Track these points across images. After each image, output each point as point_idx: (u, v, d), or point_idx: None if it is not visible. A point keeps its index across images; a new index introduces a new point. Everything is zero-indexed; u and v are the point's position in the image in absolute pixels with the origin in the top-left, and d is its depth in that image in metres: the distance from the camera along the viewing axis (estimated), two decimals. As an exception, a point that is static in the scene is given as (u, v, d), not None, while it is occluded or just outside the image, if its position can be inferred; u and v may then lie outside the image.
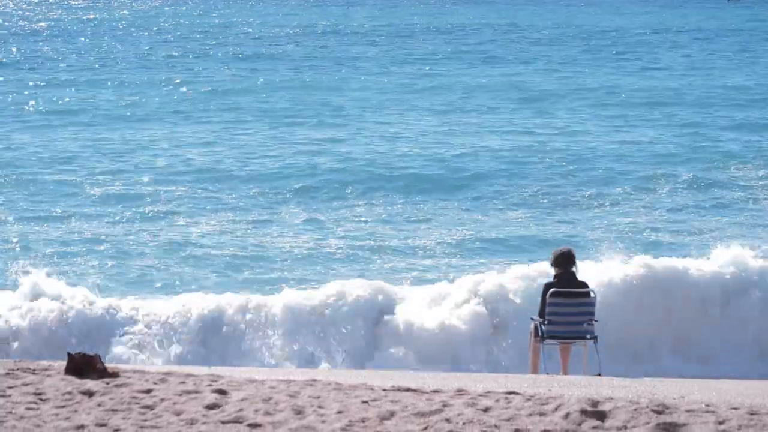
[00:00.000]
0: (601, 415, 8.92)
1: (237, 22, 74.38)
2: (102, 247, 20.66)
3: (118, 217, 22.97)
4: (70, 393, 9.53)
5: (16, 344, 15.46)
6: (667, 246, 21.23)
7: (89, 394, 9.54)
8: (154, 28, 68.34)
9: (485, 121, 35.57)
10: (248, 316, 15.87)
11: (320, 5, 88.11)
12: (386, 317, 15.71)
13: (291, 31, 66.72)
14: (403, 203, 24.52)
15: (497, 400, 9.53)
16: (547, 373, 13.26)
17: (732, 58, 53.16)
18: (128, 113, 36.94)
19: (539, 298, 13.70)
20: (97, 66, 49.23)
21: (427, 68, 49.08)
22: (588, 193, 25.40)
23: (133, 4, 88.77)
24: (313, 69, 49.07)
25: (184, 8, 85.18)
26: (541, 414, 9.01)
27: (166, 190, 25.41)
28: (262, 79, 44.99)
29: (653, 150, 30.43)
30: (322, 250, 20.80)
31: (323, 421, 8.79)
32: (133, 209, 23.65)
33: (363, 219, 23.30)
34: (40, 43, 58.32)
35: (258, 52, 55.02)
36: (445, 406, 9.29)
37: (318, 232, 22.20)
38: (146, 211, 23.48)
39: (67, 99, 39.58)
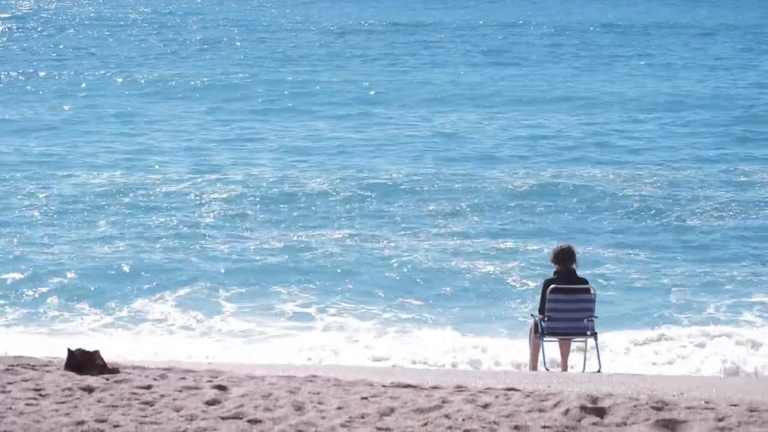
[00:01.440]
0: (601, 412, 8.93)
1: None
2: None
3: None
4: (69, 389, 9.53)
5: None
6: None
7: (89, 390, 9.54)
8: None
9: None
10: None
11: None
12: None
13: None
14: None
15: (497, 397, 9.54)
16: (547, 370, 13.28)
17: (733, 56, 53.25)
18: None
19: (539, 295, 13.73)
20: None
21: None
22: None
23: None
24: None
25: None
26: (541, 410, 9.02)
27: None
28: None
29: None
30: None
31: (323, 417, 8.80)
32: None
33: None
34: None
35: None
36: (444, 402, 9.30)
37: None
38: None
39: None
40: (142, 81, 43.42)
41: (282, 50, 55.17)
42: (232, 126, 34.31)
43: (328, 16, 76.26)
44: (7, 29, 63.30)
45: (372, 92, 41.11)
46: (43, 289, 18.14)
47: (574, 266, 13.61)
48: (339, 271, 19.41)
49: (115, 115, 36.12)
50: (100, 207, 23.62)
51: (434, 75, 46.09)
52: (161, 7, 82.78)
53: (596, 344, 13.54)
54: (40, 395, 9.32)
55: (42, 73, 45.02)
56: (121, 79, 43.65)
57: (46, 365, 10.61)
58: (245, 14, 78.33)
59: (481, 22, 71.79)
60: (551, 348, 13.73)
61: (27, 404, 9.00)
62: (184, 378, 10.18)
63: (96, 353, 10.48)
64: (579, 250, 14.38)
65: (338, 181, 26.22)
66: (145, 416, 8.79)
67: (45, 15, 73.95)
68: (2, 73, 44.78)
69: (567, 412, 8.89)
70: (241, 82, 43.53)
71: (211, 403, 9.22)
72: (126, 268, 19.32)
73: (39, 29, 63.73)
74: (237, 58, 51.74)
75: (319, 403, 9.25)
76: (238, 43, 57.87)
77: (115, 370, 10.31)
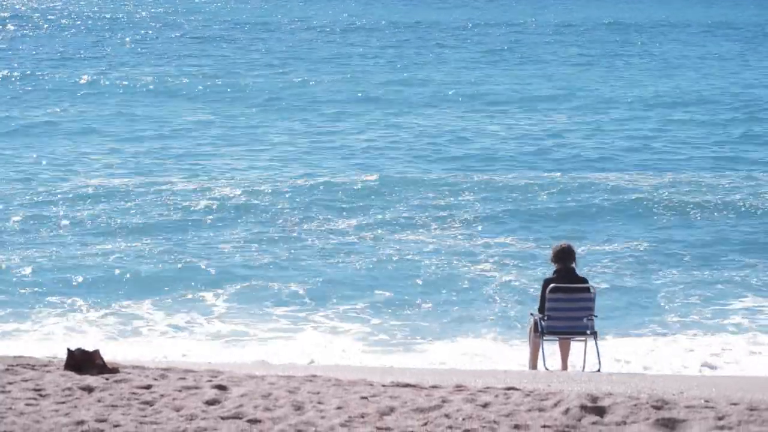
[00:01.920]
0: (601, 411, 8.92)
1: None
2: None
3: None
4: (69, 389, 9.53)
5: None
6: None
7: (89, 389, 9.54)
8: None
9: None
10: None
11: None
12: None
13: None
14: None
15: (496, 396, 9.53)
16: (547, 369, 13.27)
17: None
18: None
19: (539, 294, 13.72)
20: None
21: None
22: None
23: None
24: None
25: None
26: (541, 409, 9.01)
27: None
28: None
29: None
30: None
31: (323, 417, 8.79)
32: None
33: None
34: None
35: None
36: (444, 401, 9.29)
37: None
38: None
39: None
40: (143, 81, 43.39)
41: (284, 50, 55.06)
42: (232, 126, 34.26)
43: (325, 15, 76.19)
44: (11, 28, 63.22)
45: (376, 91, 40.99)
46: (39, 289, 18.13)
47: (573, 265, 13.60)
48: (335, 272, 19.38)
49: (116, 115, 36.12)
50: (97, 208, 23.58)
51: (436, 74, 45.99)
52: (163, 7, 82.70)
53: (596, 343, 13.54)
54: (40, 395, 9.32)
55: (43, 73, 44.95)
56: (125, 81, 43.59)
57: (45, 365, 10.60)
58: (245, 13, 78.27)
59: (482, 21, 71.70)
60: (551, 347, 13.73)
61: (27, 404, 9.00)
62: (183, 378, 10.17)
63: (96, 353, 10.48)
64: (578, 250, 14.36)
65: (336, 181, 26.20)
66: (145, 416, 8.79)
67: (47, 14, 73.88)
68: (5, 71, 44.68)
69: (567, 411, 8.89)
70: (242, 82, 43.43)
71: (211, 402, 9.22)
72: (123, 270, 19.32)
73: (42, 27, 63.65)
74: (237, 57, 51.61)
75: (319, 402, 9.25)
76: (240, 43, 57.76)
77: (114, 370, 10.31)
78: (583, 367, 13.60)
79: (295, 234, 21.76)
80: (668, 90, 42.03)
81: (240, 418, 8.74)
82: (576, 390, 9.99)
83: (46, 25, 65.84)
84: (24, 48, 54.30)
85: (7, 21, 67.65)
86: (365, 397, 9.43)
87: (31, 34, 61.38)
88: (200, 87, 42.32)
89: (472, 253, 20.50)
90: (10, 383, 9.68)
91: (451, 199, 24.66)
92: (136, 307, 17.40)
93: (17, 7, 79.87)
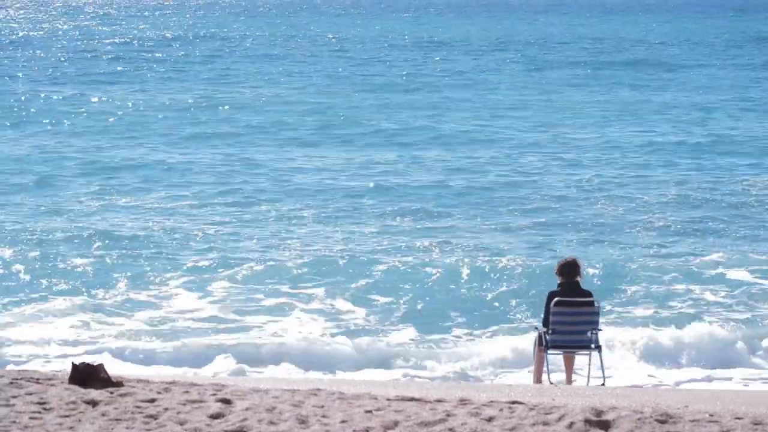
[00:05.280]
0: (605, 425, 8.92)
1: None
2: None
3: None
4: (73, 402, 9.53)
5: None
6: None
7: (93, 403, 9.54)
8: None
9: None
10: None
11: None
12: None
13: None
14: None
15: (501, 410, 9.52)
16: (551, 383, 13.26)
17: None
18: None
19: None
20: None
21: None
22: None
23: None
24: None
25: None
26: (545, 423, 9.01)
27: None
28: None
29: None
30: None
31: (327, 431, 8.79)
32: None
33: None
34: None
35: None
36: (448, 415, 9.29)
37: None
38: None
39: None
40: (156, 102, 43.32)
41: (287, 70, 54.64)
42: (235, 146, 33.88)
43: (318, 30, 76.14)
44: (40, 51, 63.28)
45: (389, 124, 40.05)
46: (43, 300, 18.19)
47: (578, 279, 13.60)
48: (333, 279, 19.49)
49: (123, 128, 36.17)
50: (89, 222, 23.55)
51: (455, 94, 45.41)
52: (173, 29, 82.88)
53: (600, 357, 13.52)
54: (45, 409, 9.32)
55: (43, 100, 44.86)
56: (140, 100, 43.53)
57: (50, 379, 10.60)
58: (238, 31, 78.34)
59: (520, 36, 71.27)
60: (555, 361, 13.72)
61: (31, 418, 9.00)
62: (188, 391, 10.17)
63: (100, 366, 10.48)
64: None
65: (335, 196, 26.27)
66: (149, 430, 8.79)
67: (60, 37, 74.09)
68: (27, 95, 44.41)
69: (571, 425, 8.88)
70: (225, 105, 42.50)
71: (215, 416, 9.21)
72: (120, 273, 19.51)
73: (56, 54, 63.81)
74: (221, 78, 50.85)
75: (323, 416, 9.24)
76: (237, 65, 57.21)
77: (119, 384, 10.30)
78: (587, 380, 13.59)
79: (290, 242, 21.81)
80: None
81: (244, 432, 8.75)
82: (580, 404, 9.98)
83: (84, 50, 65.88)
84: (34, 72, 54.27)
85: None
86: (369, 411, 9.42)
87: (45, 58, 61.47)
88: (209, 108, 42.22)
89: (472, 264, 20.42)
90: (14, 397, 9.69)
91: (453, 212, 24.66)
92: (137, 316, 17.50)
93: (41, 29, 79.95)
